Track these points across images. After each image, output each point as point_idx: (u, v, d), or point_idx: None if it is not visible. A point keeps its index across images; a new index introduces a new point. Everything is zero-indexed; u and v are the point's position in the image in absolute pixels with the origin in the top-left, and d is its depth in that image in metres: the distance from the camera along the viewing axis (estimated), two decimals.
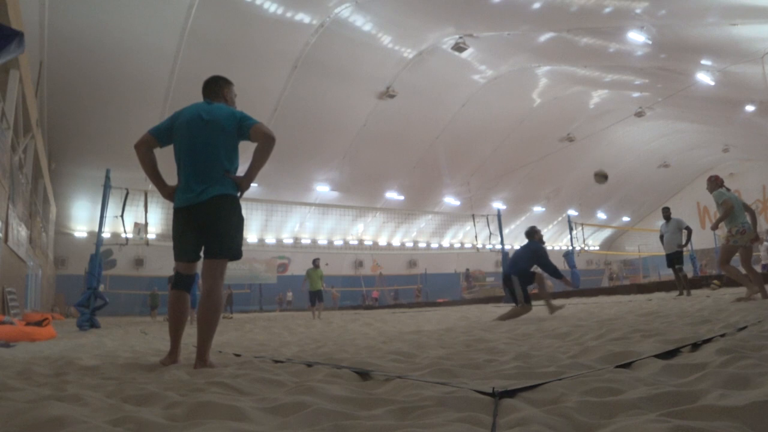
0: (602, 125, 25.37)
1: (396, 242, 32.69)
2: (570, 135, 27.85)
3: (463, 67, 20.96)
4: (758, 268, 11.61)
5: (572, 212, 30.12)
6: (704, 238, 24.37)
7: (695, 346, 2.27)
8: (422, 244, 33.52)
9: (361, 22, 17.68)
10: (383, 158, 25.46)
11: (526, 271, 6.00)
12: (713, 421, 1.08)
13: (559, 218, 35.66)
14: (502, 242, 14.96)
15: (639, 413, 1.22)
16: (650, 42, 14.73)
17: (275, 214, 24.14)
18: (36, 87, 14.18)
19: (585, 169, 32.15)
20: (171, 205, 2.85)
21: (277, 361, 2.72)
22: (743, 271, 6.35)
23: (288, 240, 28.85)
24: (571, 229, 16.67)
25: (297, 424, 1.29)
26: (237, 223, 2.77)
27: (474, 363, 2.26)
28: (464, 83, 22.32)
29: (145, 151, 2.83)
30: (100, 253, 9.31)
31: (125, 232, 10.10)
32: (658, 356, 2.02)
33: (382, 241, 32.25)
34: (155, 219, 15.40)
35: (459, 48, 19.00)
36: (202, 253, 2.80)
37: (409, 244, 33.14)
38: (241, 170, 2.82)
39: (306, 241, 29.30)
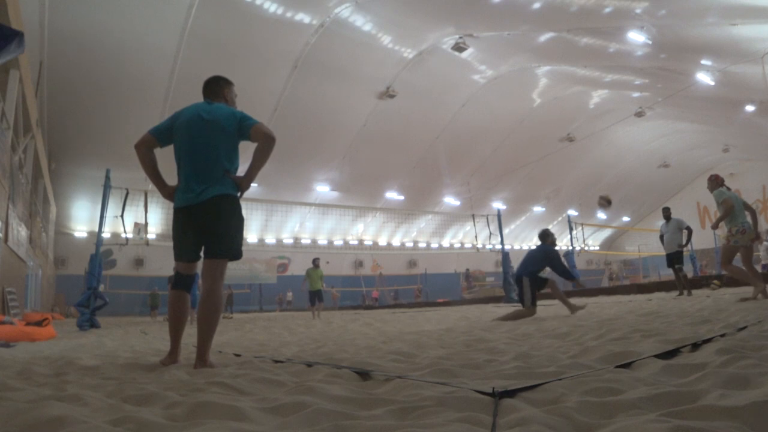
0: (602, 125, 25.37)
1: (396, 242, 32.69)
2: (570, 135, 27.86)
3: (463, 67, 20.96)
4: (758, 268, 11.59)
5: (572, 212, 30.11)
6: (704, 238, 24.36)
7: (695, 346, 2.27)
8: (422, 244, 33.52)
9: (361, 22, 17.68)
10: (383, 158, 25.46)
11: (537, 274, 6.02)
12: (713, 421, 1.08)
13: (559, 218, 35.66)
14: (502, 242, 14.96)
15: (639, 413, 1.22)
16: (650, 42, 14.73)
17: (275, 214, 24.14)
18: (36, 87, 14.18)
19: (585, 169, 32.19)
20: (171, 205, 2.85)
21: (277, 361, 2.72)
22: (725, 269, 6.36)
23: (288, 240, 28.85)
24: (571, 229, 16.67)
25: (297, 424, 1.29)
26: (237, 223, 2.77)
27: (474, 363, 2.26)
28: (464, 83, 22.32)
29: (145, 151, 2.83)
30: (100, 253, 9.31)
31: (125, 232, 10.10)
32: (658, 356, 2.02)
33: (382, 241, 32.25)
34: (155, 219, 15.40)
35: (459, 48, 19.00)
36: (202, 253, 2.80)
37: (409, 244, 33.14)
38: (241, 170, 2.83)
39: (306, 241, 29.30)
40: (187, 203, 2.71)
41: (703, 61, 15.88)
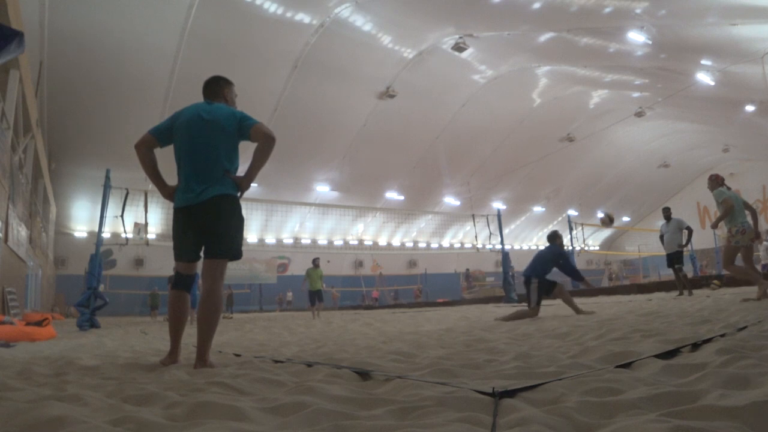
0: (602, 125, 25.38)
1: (396, 242, 32.69)
2: (570, 135, 27.86)
3: (463, 67, 20.96)
4: (758, 268, 11.59)
5: (572, 212, 30.11)
6: (704, 238, 24.35)
7: (695, 346, 2.27)
8: (422, 244, 33.52)
9: (361, 22, 17.68)
10: (383, 158, 25.47)
11: (546, 275, 6.06)
12: (713, 421, 1.08)
13: (559, 218, 35.66)
14: (502, 242, 14.96)
15: (639, 413, 1.22)
16: (650, 42, 14.74)
17: (275, 214, 24.14)
18: (36, 87, 14.18)
19: (585, 169, 32.19)
20: (171, 205, 2.85)
21: (277, 361, 2.72)
22: (727, 269, 6.36)
23: (288, 240, 28.85)
24: (571, 229, 16.68)
25: (297, 424, 1.29)
26: (237, 223, 2.77)
27: (474, 363, 2.26)
28: (464, 83, 22.32)
29: (145, 151, 2.83)
30: (100, 253, 9.31)
31: (125, 232, 10.10)
32: (658, 356, 2.02)
33: (382, 241, 32.24)
34: (155, 219, 15.40)
35: (459, 48, 19.00)
36: (202, 253, 2.80)
37: (409, 244, 33.13)
38: (241, 170, 2.82)
39: (306, 241, 29.30)
40: (187, 203, 2.71)
41: (703, 61, 15.88)
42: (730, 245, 6.25)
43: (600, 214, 7.50)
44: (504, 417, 1.26)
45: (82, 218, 24.28)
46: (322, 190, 26.28)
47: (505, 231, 16.82)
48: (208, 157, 2.74)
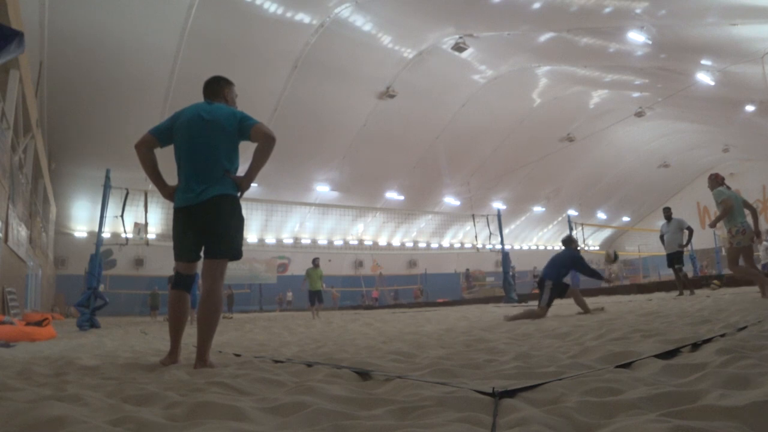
0: (602, 125, 25.38)
1: (396, 242, 32.69)
2: (570, 135, 27.86)
3: (463, 67, 20.96)
4: (759, 268, 11.59)
5: (572, 212, 30.11)
6: (704, 239, 24.34)
7: (695, 346, 2.27)
8: (422, 244, 33.52)
9: (361, 22, 17.68)
10: (383, 158, 25.46)
11: (561, 279, 6.13)
12: (713, 421, 1.08)
13: (559, 218, 35.66)
14: (502, 242, 14.95)
15: (639, 413, 1.22)
16: (650, 42, 14.73)
17: (275, 214, 24.14)
18: (36, 87, 14.18)
19: (585, 169, 32.19)
20: (171, 205, 2.85)
21: (277, 361, 2.72)
22: (732, 270, 6.36)
23: (288, 240, 28.85)
24: (571, 229, 16.65)
25: (297, 424, 1.29)
26: (237, 224, 2.77)
27: (474, 363, 2.26)
28: (464, 83, 22.32)
29: (145, 151, 2.83)
30: (100, 253, 9.31)
31: (125, 232, 10.09)
32: (658, 356, 2.02)
33: (382, 241, 32.24)
34: (155, 219, 15.39)
35: (459, 48, 19.00)
36: (202, 253, 2.80)
37: (409, 244, 33.13)
38: (241, 170, 2.82)
39: (306, 241, 29.29)
40: (187, 203, 2.71)
41: (703, 61, 15.88)
42: (733, 246, 6.25)
43: (608, 252, 7.71)
44: (504, 417, 1.26)
45: (82, 218, 24.28)
46: (322, 190, 26.28)
47: (505, 231, 16.82)
48: (208, 157, 2.74)
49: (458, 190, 29.16)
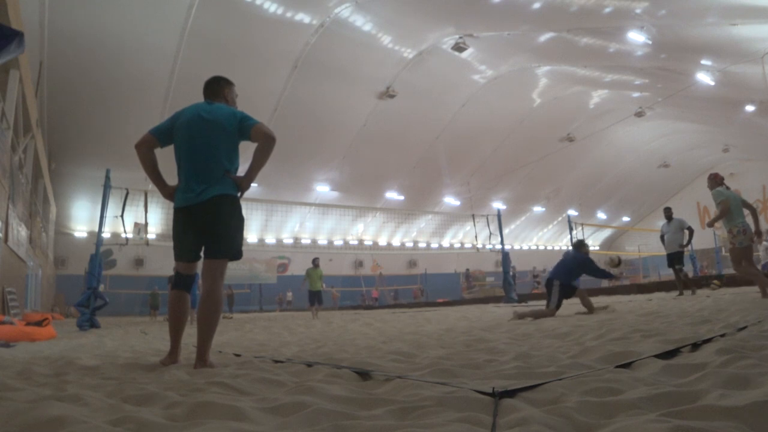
0: (602, 125, 25.38)
1: (396, 242, 32.69)
2: (570, 135, 27.86)
3: (463, 67, 20.96)
4: (759, 268, 11.59)
5: (572, 212, 30.11)
6: (705, 239, 24.34)
7: (695, 346, 2.27)
8: (422, 244, 33.52)
9: (361, 22, 17.68)
10: (383, 158, 25.46)
11: (570, 281, 6.19)
12: (713, 421, 1.08)
13: (559, 218, 35.66)
14: (502, 242, 14.95)
15: (639, 413, 1.22)
16: (650, 42, 14.73)
17: (275, 214, 24.13)
18: (36, 87, 14.18)
19: (585, 169, 32.19)
20: (171, 204, 2.85)
21: (277, 361, 2.72)
22: (737, 270, 6.37)
23: (288, 240, 28.85)
24: (571, 229, 16.65)
25: (297, 424, 1.29)
26: (237, 224, 2.77)
27: (474, 363, 2.26)
28: (464, 83, 22.32)
29: (145, 151, 2.84)
30: (100, 253, 9.31)
31: (125, 232, 10.09)
32: (658, 356, 2.02)
33: (382, 241, 32.24)
34: (155, 219, 15.38)
35: (459, 48, 18.99)
36: (202, 253, 2.80)
37: (409, 244, 33.13)
38: (242, 170, 2.82)
39: (306, 241, 29.30)
40: (187, 203, 2.71)
41: (703, 61, 15.88)
42: (735, 247, 6.25)
43: (612, 257, 7.89)
44: (504, 417, 1.26)
45: (82, 218, 24.28)
46: (322, 190, 26.28)
47: (505, 231, 16.82)
48: (208, 157, 2.74)
49: (458, 190, 29.16)
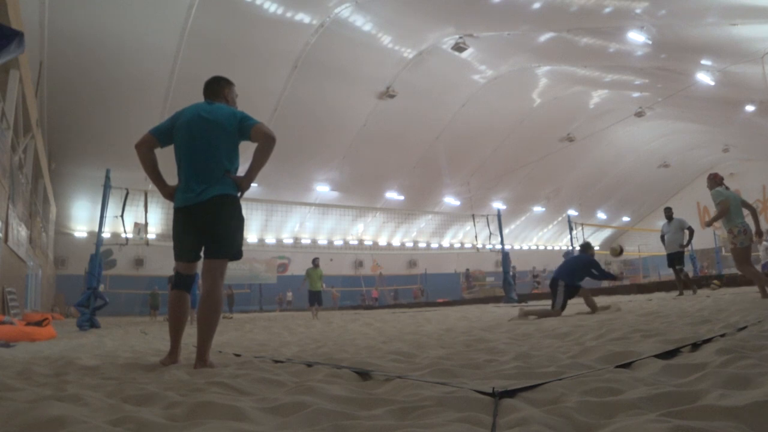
0: (602, 125, 25.38)
1: (396, 242, 32.69)
2: (570, 135, 27.86)
3: (463, 67, 20.96)
4: (758, 268, 11.59)
5: (572, 212, 30.11)
6: (705, 239, 24.37)
7: (695, 346, 2.27)
8: (422, 244, 33.52)
9: (361, 22, 17.68)
10: (383, 158, 25.46)
11: (575, 282, 6.22)
12: (713, 421, 1.08)
13: (559, 218, 35.66)
14: (502, 242, 14.95)
15: (639, 413, 1.22)
16: (650, 42, 14.73)
17: (275, 214, 24.13)
18: (36, 87, 14.18)
19: (585, 169, 32.19)
20: (171, 204, 2.85)
21: (277, 361, 2.72)
22: (742, 270, 6.37)
23: (288, 240, 28.85)
24: (571, 229, 16.66)
25: (297, 424, 1.29)
26: (237, 224, 2.77)
27: (474, 363, 2.26)
28: (464, 83, 22.32)
29: (145, 151, 2.84)
30: (100, 253, 9.31)
31: (125, 232, 10.09)
32: (658, 356, 2.02)
33: (382, 241, 32.25)
34: (155, 219, 15.39)
35: (459, 48, 19.00)
36: (202, 253, 2.80)
37: (409, 244, 33.13)
38: (241, 170, 2.82)
39: (306, 241, 29.30)
40: (187, 203, 2.71)
41: (703, 61, 15.88)
42: (737, 247, 6.25)
43: (614, 246, 8.00)
44: (504, 417, 1.26)
45: (82, 218, 24.28)
46: (322, 190, 26.28)
47: (505, 231, 16.82)
48: (208, 157, 2.74)
49: (458, 190, 29.16)
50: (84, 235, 24.16)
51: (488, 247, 16.25)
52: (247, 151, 2.61)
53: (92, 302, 8.93)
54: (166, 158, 3.00)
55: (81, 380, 2.22)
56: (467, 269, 30.59)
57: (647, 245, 30.27)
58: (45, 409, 1.39)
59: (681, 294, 8.82)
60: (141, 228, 14.85)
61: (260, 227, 26.99)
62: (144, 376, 2.34)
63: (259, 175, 2.81)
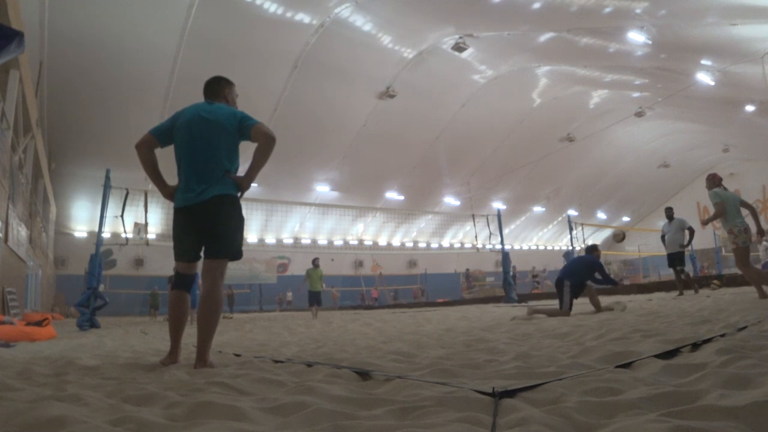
0: (602, 125, 25.38)
1: (396, 242, 32.69)
2: (570, 135, 27.86)
3: (463, 67, 20.96)
4: (758, 267, 11.59)
5: (572, 212, 30.10)
6: (705, 239, 24.36)
7: (695, 346, 2.27)
8: (422, 244, 33.52)
9: (361, 22, 17.68)
10: (383, 158, 25.46)
11: (580, 281, 6.24)
12: (713, 421, 1.08)
13: (559, 218, 35.65)
14: (502, 242, 14.95)
15: (639, 413, 1.22)
16: (650, 42, 14.73)
17: (275, 214, 24.12)
18: (36, 87, 14.18)
19: (585, 169, 32.19)
20: (171, 204, 2.85)
21: (277, 361, 2.72)
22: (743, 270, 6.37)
23: (288, 240, 28.85)
24: (571, 229, 16.65)
25: (297, 424, 1.29)
26: (237, 224, 2.77)
27: (474, 363, 2.26)
28: (464, 83, 22.32)
29: (145, 151, 2.84)
30: (100, 253, 9.30)
31: (125, 232, 10.09)
32: (658, 356, 2.02)
33: (382, 241, 32.24)
34: (155, 219, 15.38)
35: (459, 48, 18.99)
36: (202, 253, 2.80)
37: (409, 244, 33.12)
38: (242, 170, 2.82)
39: (306, 241, 29.30)
40: (187, 203, 2.71)
41: (703, 61, 15.88)
42: (739, 247, 6.24)
43: (616, 231, 8.05)
44: (504, 417, 1.26)
45: (82, 218, 24.28)
46: (322, 190, 26.28)
47: (505, 231, 16.81)
48: (208, 157, 2.74)
49: (458, 190, 29.16)
50: (84, 235, 24.16)
51: (488, 247, 16.25)
52: (247, 151, 2.61)
53: (92, 302, 8.93)
54: (166, 158, 3.00)
55: (81, 380, 2.22)
56: (467, 269, 30.59)
57: (647, 245, 30.26)
58: (45, 409, 1.39)
59: (681, 294, 8.82)
60: (141, 228, 14.84)
61: (260, 227, 26.99)
62: (144, 376, 2.34)
63: (259, 175, 2.81)
